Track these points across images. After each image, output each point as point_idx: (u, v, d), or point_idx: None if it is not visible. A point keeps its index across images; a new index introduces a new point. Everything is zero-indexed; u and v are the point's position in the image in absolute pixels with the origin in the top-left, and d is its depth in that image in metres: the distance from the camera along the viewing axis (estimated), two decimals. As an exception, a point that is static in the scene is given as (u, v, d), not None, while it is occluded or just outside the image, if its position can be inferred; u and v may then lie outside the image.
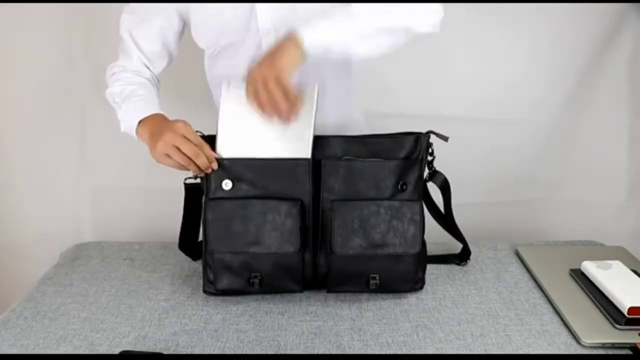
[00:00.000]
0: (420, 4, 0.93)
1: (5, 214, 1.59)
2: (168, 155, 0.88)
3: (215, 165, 0.91)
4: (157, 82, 1.10)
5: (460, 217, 1.07)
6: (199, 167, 0.89)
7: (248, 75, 0.87)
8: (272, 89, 0.85)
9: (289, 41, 0.87)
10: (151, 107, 0.98)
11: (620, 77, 1.47)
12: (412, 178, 0.93)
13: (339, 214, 0.91)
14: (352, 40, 0.90)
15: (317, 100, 0.90)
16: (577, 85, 1.48)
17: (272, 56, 0.87)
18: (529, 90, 1.48)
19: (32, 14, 1.39)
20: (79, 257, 1.15)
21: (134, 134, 0.97)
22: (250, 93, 0.87)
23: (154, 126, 0.93)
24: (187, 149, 0.87)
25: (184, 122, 0.90)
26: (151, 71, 1.08)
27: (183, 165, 0.89)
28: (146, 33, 1.04)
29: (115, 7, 1.35)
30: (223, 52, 1.05)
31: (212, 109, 1.00)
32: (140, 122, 0.96)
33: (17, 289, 1.14)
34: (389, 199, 0.92)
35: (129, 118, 0.98)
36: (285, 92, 0.86)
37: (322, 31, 0.89)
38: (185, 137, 0.88)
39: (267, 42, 0.98)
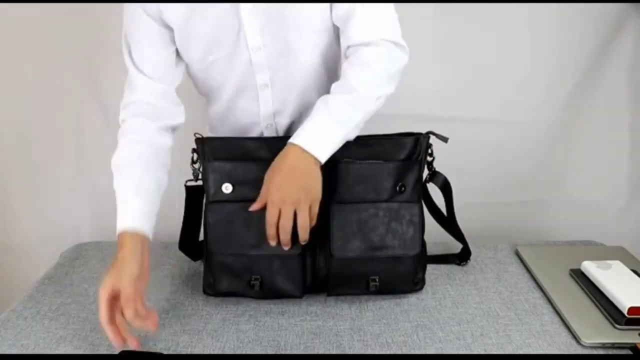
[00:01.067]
0: (381, 68, 0.89)
1: (4, 215, 1.59)
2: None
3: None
4: (174, 106, 0.99)
5: (460, 218, 1.07)
6: None
7: (272, 194, 0.82)
8: (304, 215, 0.82)
9: (310, 162, 0.83)
10: (130, 219, 0.90)
11: (621, 78, 1.47)
12: (410, 180, 0.93)
13: (338, 217, 0.91)
14: (350, 133, 0.88)
15: None
16: (577, 86, 1.47)
17: (302, 178, 0.82)
18: (529, 90, 1.48)
19: (30, 15, 1.39)
20: (79, 257, 1.15)
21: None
22: (272, 217, 0.82)
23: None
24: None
25: (107, 291, 0.79)
26: (166, 94, 0.97)
27: None
28: (147, 55, 0.94)
29: (113, 8, 1.35)
30: (209, 67, 0.98)
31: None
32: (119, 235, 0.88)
33: (16, 289, 1.14)
34: (388, 201, 0.92)
35: (119, 216, 0.93)
36: (312, 220, 0.83)
37: (333, 143, 0.85)
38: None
39: (257, 59, 0.95)
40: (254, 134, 1.05)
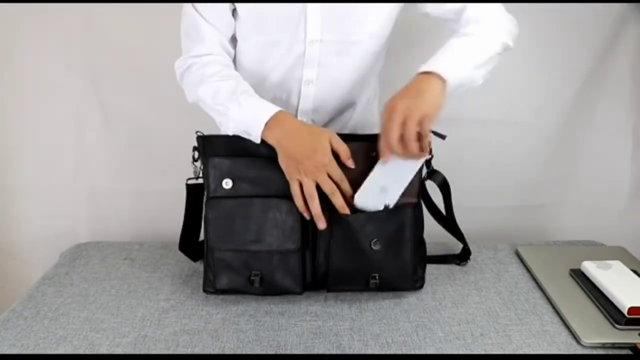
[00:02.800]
0: (501, 19, 0.96)
1: (3, 215, 1.59)
2: (299, 183, 0.87)
3: (322, 223, 0.88)
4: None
5: (460, 218, 1.07)
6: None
7: (389, 106, 0.84)
8: (410, 129, 0.82)
9: (434, 83, 0.85)
10: (268, 105, 0.89)
11: (623, 79, 1.47)
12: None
13: (337, 213, 0.91)
14: (475, 74, 0.92)
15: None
16: (578, 87, 1.47)
17: (419, 94, 0.84)
18: (530, 92, 1.48)
19: (30, 15, 1.39)
20: (79, 257, 1.15)
21: (253, 137, 0.88)
22: (393, 125, 0.82)
23: (299, 138, 0.86)
24: (326, 186, 0.85)
25: (329, 146, 0.85)
26: (228, 54, 1.00)
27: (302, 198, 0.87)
28: (217, 10, 0.96)
29: (113, 9, 1.36)
30: (259, 49, 0.99)
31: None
32: (267, 124, 0.87)
33: (15, 290, 1.14)
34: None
35: (247, 120, 0.88)
36: (421, 137, 0.84)
37: (458, 70, 0.88)
38: (327, 173, 0.85)
39: (311, 52, 0.96)
40: None
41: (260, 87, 1.00)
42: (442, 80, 0.86)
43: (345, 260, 0.93)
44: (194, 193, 1.00)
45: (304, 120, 1.05)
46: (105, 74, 1.43)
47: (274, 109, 0.88)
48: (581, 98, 1.48)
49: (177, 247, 1.08)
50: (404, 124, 0.82)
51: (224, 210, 0.92)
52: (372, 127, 1.11)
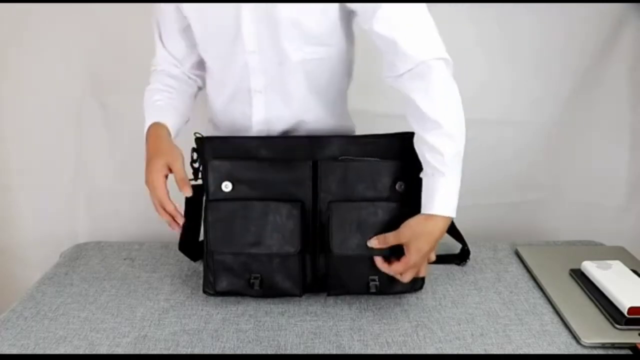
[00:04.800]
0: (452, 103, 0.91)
1: (3, 216, 1.59)
2: None
3: (178, 222, 0.94)
4: (192, 77, 1.10)
5: (460, 218, 1.06)
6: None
7: (412, 258, 0.87)
8: (416, 273, 0.90)
9: (443, 225, 0.87)
10: (152, 117, 1.00)
11: (621, 78, 1.47)
12: (409, 178, 0.93)
13: (337, 215, 0.91)
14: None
15: None
16: (577, 86, 1.47)
17: (434, 242, 0.87)
18: (529, 90, 1.48)
19: (30, 15, 1.39)
20: (79, 257, 1.15)
21: None
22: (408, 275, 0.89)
23: (147, 151, 0.97)
24: (153, 201, 0.93)
25: (161, 168, 0.92)
26: (179, 68, 1.08)
27: None
28: (167, 31, 1.05)
29: (113, 9, 1.36)
30: (211, 64, 1.04)
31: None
32: (146, 132, 0.99)
33: (15, 290, 1.14)
34: (387, 199, 0.92)
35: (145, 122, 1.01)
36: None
37: (457, 193, 0.89)
38: (151, 190, 0.92)
39: (253, 62, 0.96)
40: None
41: (223, 96, 1.06)
42: (449, 218, 0.88)
43: (346, 263, 0.93)
44: (193, 194, 0.99)
45: (259, 130, 1.04)
46: (105, 75, 1.43)
47: (150, 121, 1.00)
48: (580, 97, 1.48)
49: (177, 247, 1.08)
50: (413, 268, 0.88)
51: (223, 213, 0.92)
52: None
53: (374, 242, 0.89)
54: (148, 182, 0.93)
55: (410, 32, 0.88)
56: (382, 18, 0.87)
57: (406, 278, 0.89)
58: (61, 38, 1.42)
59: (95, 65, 1.43)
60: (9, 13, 1.39)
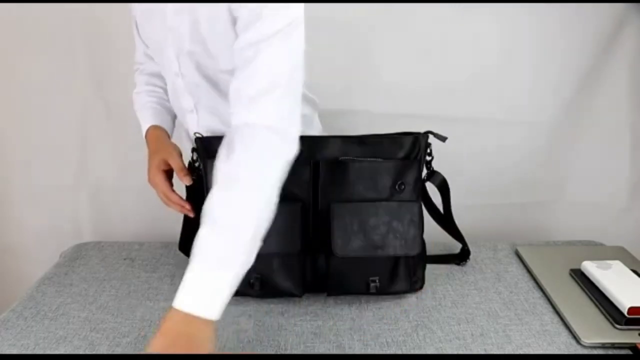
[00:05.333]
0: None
1: (5, 214, 1.59)
2: None
3: (187, 208, 0.97)
4: None
5: (460, 218, 1.07)
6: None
7: None
8: None
9: (209, 330, 0.68)
10: (147, 121, 1.04)
11: (622, 78, 1.46)
12: (410, 178, 0.93)
13: (338, 216, 0.91)
14: (242, 268, 0.73)
15: None
16: (577, 86, 1.47)
17: (187, 346, 0.66)
18: (530, 91, 1.48)
19: (32, 13, 1.39)
20: (79, 257, 1.15)
21: None
22: None
23: (148, 150, 1.01)
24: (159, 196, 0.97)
25: (159, 164, 0.96)
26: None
27: None
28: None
29: (116, 6, 1.36)
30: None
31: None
32: (146, 136, 1.03)
33: (17, 289, 1.14)
34: (387, 199, 0.92)
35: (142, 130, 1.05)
36: None
37: (223, 290, 0.69)
38: (153, 186, 0.97)
39: (178, 84, 0.94)
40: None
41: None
42: (210, 321, 0.68)
43: (346, 263, 0.93)
44: (193, 194, 1.00)
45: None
46: (109, 73, 1.43)
47: (146, 125, 1.03)
48: (580, 97, 1.48)
49: (177, 247, 1.09)
50: None
51: None
52: None
53: None
54: (150, 180, 0.98)
55: (248, 78, 0.75)
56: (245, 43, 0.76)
57: None
58: (66, 37, 1.42)
59: (100, 64, 1.43)
60: (14, 13, 1.39)
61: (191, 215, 0.97)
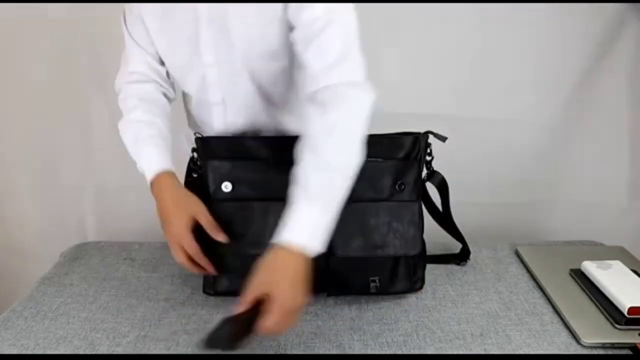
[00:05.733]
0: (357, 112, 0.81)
1: (8, 213, 1.60)
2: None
3: (212, 270, 0.89)
4: (165, 85, 1.02)
5: (460, 217, 1.07)
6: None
7: (279, 304, 0.72)
8: (286, 322, 0.74)
9: (301, 265, 0.74)
10: (157, 163, 0.92)
11: (621, 78, 1.47)
12: (410, 178, 0.93)
13: (338, 216, 0.91)
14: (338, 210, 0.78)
15: None
16: (577, 86, 1.47)
17: (292, 283, 0.73)
18: (529, 90, 1.48)
19: (35, 13, 1.40)
20: (79, 257, 1.15)
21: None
22: (278, 327, 0.72)
23: (163, 203, 0.89)
24: (179, 258, 0.87)
25: (188, 220, 0.86)
26: (157, 71, 1.01)
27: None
28: (141, 33, 0.97)
29: (118, 7, 1.36)
30: (175, 74, 0.99)
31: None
32: (151, 184, 0.92)
33: (20, 288, 1.14)
34: (387, 199, 0.92)
35: (142, 168, 0.94)
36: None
37: (324, 230, 0.76)
38: (179, 244, 0.86)
39: (210, 75, 0.94)
40: None
41: (189, 105, 1.03)
42: (307, 255, 0.75)
43: (346, 264, 0.93)
44: (193, 193, 0.99)
45: None
46: (111, 74, 1.43)
47: (156, 169, 0.91)
48: (580, 97, 1.48)
49: (177, 247, 1.08)
50: (284, 317, 0.73)
51: (223, 213, 0.92)
52: None
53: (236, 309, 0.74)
54: (172, 234, 0.87)
55: (325, 48, 0.81)
56: (302, 25, 0.83)
57: (269, 328, 0.72)
58: (68, 38, 1.42)
59: (102, 65, 1.43)
60: (16, 14, 1.39)
61: (214, 273, 0.90)
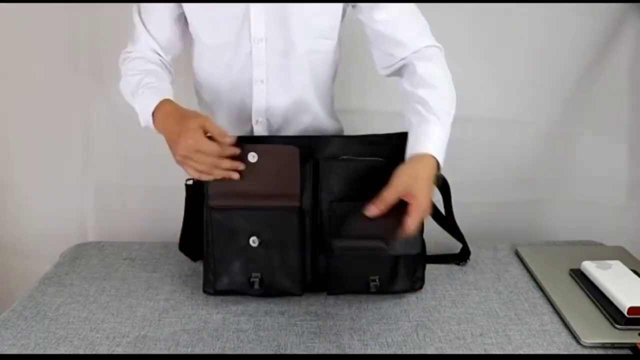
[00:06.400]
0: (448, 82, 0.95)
1: (8, 213, 1.60)
2: (187, 164, 0.85)
3: (235, 176, 0.87)
4: (169, 67, 1.04)
5: (460, 217, 1.07)
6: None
7: (419, 199, 0.82)
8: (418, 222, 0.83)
9: (433, 171, 0.86)
10: (157, 95, 0.91)
11: (621, 77, 1.47)
12: None
13: (338, 216, 0.91)
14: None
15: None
16: (577, 85, 1.47)
17: (429, 186, 0.84)
18: (529, 90, 1.48)
19: (35, 13, 1.40)
20: (79, 257, 1.15)
21: (152, 128, 0.92)
22: (416, 215, 0.81)
23: (169, 125, 0.87)
24: (201, 164, 0.84)
25: (197, 128, 0.82)
26: (161, 57, 1.03)
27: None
28: (156, 18, 0.99)
29: (118, 7, 1.36)
30: (210, 52, 1.01)
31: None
32: (153, 115, 0.90)
33: (20, 288, 1.15)
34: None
35: (143, 112, 0.92)
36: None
37: (443, 150, 0.88)
38: (199, 150, 0.83)
39: (257, 51, 0.97)
40: (245, 129, 1.06)
41: (215, 90, 1.04)
42: (437, 165, 0.87)
43: (346, 262, 0.93)
44: (193, 194, 1.00)
45: (258, 120, 1.04)
46: (112, 73, 1.43)
47: (158, 99, 0.90)
48: (580, 97, 1.48)
49: (177, 247, 1.09)
50: (420, 216, 0.83)
51: (223, 212, 0.92)
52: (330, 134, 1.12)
53: (373, 210, 0.82)
54: (188, 145, 0.82)
55: (408, 23, 0.96)
56: (383, 8, 0.94)
57: (414, 225, 0.82)
58: (69, 36, 1.42)
59: (103, 64, 1.43)
60: (17, 13, 1.39)
61: (236, 177, 0.87)
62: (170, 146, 0.87)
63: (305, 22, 0.95)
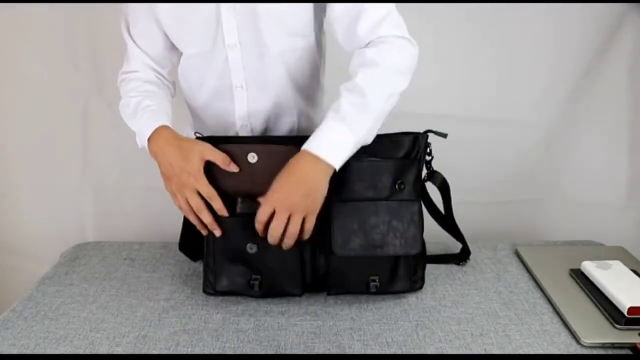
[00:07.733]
0: (392, 64, 0.87)
1: (8, 213, 1.60)
2: (175, 197, 0.90)
3: (217, 231, 0.91)
4: (167, 82, 1.06)
5: (460, 217, 1.07)
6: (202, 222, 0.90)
7: (272, 194, 0.82)
8: (295, 224, 0.82)
9: (322, 171, 0.82)
10: (154, 120, 0.93)
11: (620, 77, 1.47)
12: (410, 178, 0.93)
13: (338, 215, 0.91)
14: (365, 137, 0.86)
15: None
16: (576, 85, 1.47)
17: (307, 186, 0.82)
18: (529, 89, 1.48)
19: (34, 14, 1.40)
20: (79, 257, 1.15)
21: (148, 152, 0.94)
22: (263, 215, 0.82)
23: (167, 154, 0.89)
24: (193, 203, 0.88)
25: (199, 163, 0.86)
26: (157, 72, 1.04)
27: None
28: (143, 31, 1.00)
29: (117, 7, 1.36)
30: (189, 62, 1.02)
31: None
32: (149, 140, 0.92)
33: (19, 289, 1.15)
34: (387, 199, 0.92)
35: (139, 136, 0.94)
36: (305, 232, 0.84)
37: (347, 149, 0.84)
38: (195, 190, 0.87)
39: (233, 56, 0.96)
40: (230, 134, 1.06)
41: (199, 98, 1.04)
42: (330, 167, 0.83)
43: (346, 262, 0.93)
44: None
45: (242, 124, 1.04)
46: (112, 74, 1.44)
47: (155, 124, 0.92)
48: (580, 97, 1.48)
49: (177, 247, 1.09)
50: (283, 221, 0.82)
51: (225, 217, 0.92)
52: None
53: (259, 229, 0.84)
54: (183, 182, 0.87)
55: (376, 11, 0.89)
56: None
57: (263, 230, 0.83)
58: (68, 38, 1.42)
59: (103, 65, 1.43)
60: (16, 13, 1.39)
61: (217, 233, 0.91)
62: (163, 175, 0.90)
63: (276, 22, 0.94)
